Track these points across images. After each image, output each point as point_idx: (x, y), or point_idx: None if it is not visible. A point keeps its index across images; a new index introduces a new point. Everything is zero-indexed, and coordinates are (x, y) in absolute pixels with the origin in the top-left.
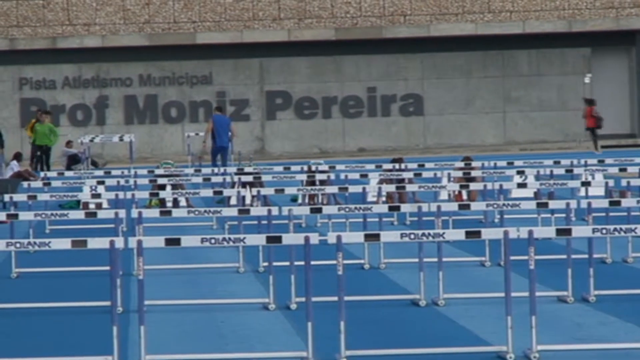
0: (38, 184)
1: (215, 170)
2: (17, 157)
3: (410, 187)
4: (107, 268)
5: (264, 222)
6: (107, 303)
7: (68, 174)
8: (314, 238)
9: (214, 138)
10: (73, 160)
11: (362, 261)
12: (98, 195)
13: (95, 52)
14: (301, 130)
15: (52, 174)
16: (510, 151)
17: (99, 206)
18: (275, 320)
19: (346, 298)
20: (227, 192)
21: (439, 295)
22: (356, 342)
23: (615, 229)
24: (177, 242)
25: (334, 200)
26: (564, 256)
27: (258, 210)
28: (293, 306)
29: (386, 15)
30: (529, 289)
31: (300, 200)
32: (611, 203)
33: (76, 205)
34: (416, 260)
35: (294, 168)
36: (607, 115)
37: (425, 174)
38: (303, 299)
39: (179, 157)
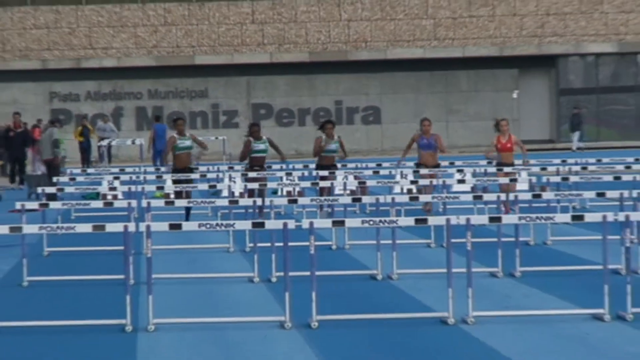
0: (65, 178)
1: (162, 169)
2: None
3: (369, 182)
4: (122, 248)
5: (250, 210)
6: (121, 276)
7: (89, 171)
8: (291, 224)
9: (154, 143)
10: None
11: (330, 243)
12: (114, 188)
13: (112, 71)
14: (281, 135)
15: (76, 170)
16: (451, 153)
17: (115, 197)
18: (259, 291)
19: (317, 273)
20: (220, 185)
21: (393, 271)
22: (325, 309)
23: (537, 217)
24: (179, 226)
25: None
26: (495, 239)
27: (245, 201)
28: (273, 279)
29: (350, 41)
30: (466, 266)
31: (279, 193)
32: (534, 196)
33: (96, 196)
34: (374, 242)
35: (274, 167)
36: (530, 124)
37: (382, 172)
38: (282, 274)
39: None
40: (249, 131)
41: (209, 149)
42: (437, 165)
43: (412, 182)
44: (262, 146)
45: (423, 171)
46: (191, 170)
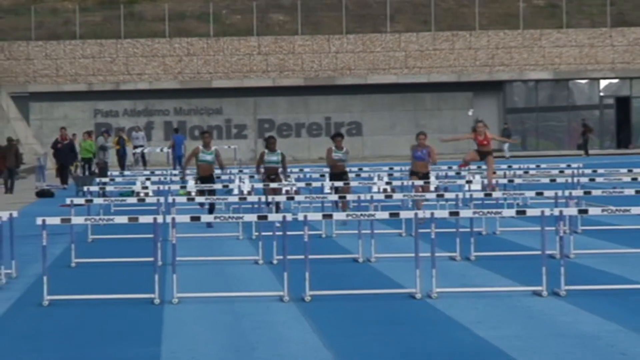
0: (105, 179)
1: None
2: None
3: (353, 183)
4: (151, 236)
5: (256, 206)
6: (151, 259)
7: (126, 173)
8: (289, 217)
9: (174, 150)
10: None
11: (320, 232)
12: (146, 187)
13: (145, 92)
14: (281, 145)
15: (115, 173)
16: None
17: (146, 194)
18: (263, 271)
19: (310, 256)
20: (231, 185)
21: (371, 255)
22: (316, 285)
23: (488, 212)
24: (198, 219)
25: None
26: (454, 230)
27: (252, 198)
28: (275, 262)
29: (338, 69)
30: (431, 251)
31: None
32: (485, 195)
33: (131, 194)
34: (356, 232)
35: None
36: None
37: (362, 175)
38: (281, 257)
39: None
40: (266, 143)
41: (225, 170)
42: (427, 174)
43: (387, 183)
44: (274, 158)
45: (417, 182)
46: (213, 179)
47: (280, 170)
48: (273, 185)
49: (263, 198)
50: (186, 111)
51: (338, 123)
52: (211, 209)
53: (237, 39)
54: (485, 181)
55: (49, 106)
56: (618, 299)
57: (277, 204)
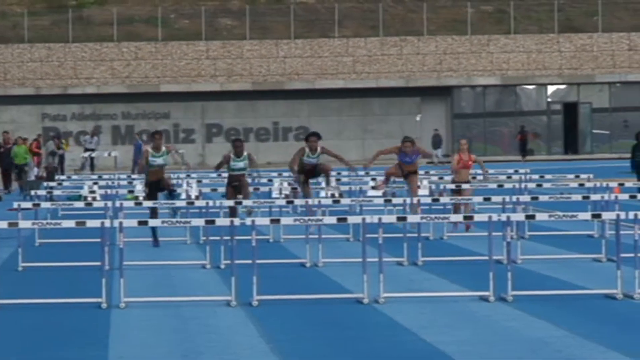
0: (53, 183)
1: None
2: (38, 165)
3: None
4: (99, 240)
5: (204, 210)
6: (99, 263)
7: (74, 177)
8: (237, 221)
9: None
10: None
11: (268, 237)
12: (94, 191)
13: (93, 96)
14: (229, 149)
15: (63, 177)
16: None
17: (94, 199)
18: (210, 275)
19: (257, 261)
20: (179, 189)
21: (319, 259)
22: (264, 290)
23: (435, 217)
24: (145, 223)
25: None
26: (402, 235)
27: (200, 202)
28: (222, 266)
29: (286, 73)
30: (378, 256)
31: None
32: (433, 200)
33: (79, 198)
34: (304, 236)
35: (224, 174)
36: (430, 142)
37: (311, 180)
38: (229, 262)
39: None
40: (233, 147)
41: (179, 161)
42: (415, 172)
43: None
44: (240, 164)
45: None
46: (160, 186)
47: (247, 176)
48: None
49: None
50: (134, 115)
51: (286, 128)
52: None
53: (185, 44)
54: (434, 186)
55: None
56: (565, 304)
57: (234, 209)
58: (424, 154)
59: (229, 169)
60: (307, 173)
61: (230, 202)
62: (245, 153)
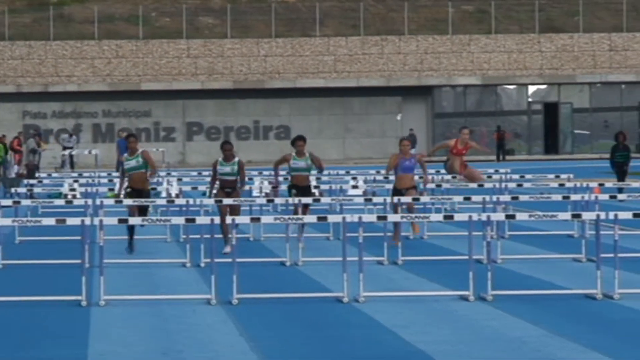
0: (33, 180)
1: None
2: (19, 162)
3: (282, 187)
4: (79, 238)
5: (184, 208)
6: (79, 261)
7: (54, 175)
8: (217, 220)
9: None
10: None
11: (248, 236)
12: (74, 189)
13: (74, 94)
14: (210, 148)
15: (43, 174)
16: (347, 164)
17: (74, 196)
18: (190, 274)
19: (237, 260)
20: (159, 188)
21: (299, 258)
22: (244, 289)
23: (416, 217)
24: (126, 221)
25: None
26: (382, 234)
27: (180, 201)
28: (202, 264)
29: (267, 72)
30: (358, 255)
31: (207, 194)
32: (413, 199)
33: (59, 195)
34: (284, 235)
35: (204, 173)
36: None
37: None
38: (209, 260)
39: None
40: (222, 151)
41: (156, 175)
42: (415, 187)
43: (315, 187)
44: (227, 169)
45: (405, 199)
46: (142, 193)
47: (238, 184)
48: (228, 200)
49: (191, 201)
50: (115, 113)
51: (267, 127)
52: (131, 235)
53: (166, 42)
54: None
55: None
56: (544, 304)
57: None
58: (421, 162)
59: (220, 174)
60: (298, 189)
61: (229, 201)
62: (236, 158)
